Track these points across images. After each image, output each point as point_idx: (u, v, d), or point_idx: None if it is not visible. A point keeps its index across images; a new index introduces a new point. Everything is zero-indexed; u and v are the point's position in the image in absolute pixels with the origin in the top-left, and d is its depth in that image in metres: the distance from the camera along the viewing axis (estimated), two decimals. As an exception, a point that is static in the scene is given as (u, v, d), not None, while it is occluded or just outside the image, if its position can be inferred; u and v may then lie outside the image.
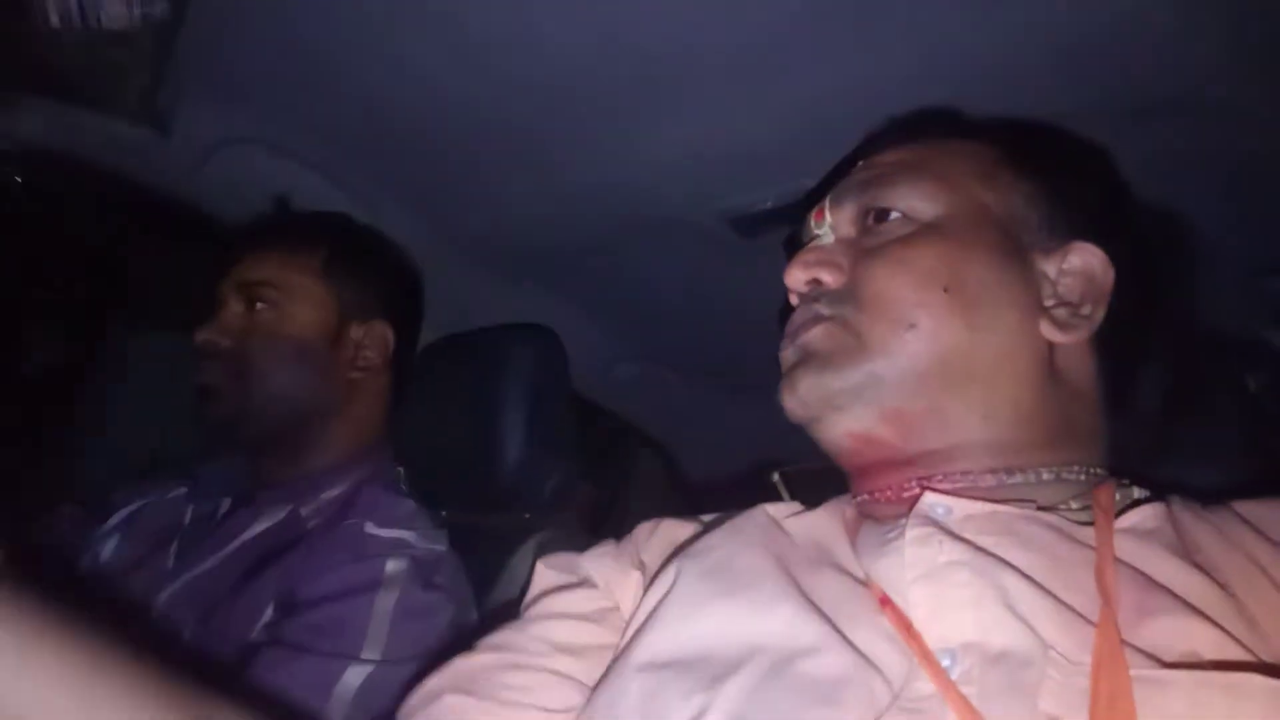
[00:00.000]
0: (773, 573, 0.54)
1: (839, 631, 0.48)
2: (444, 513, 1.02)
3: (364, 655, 0.78)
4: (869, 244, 0.62)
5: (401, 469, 1.04)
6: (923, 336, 0.56)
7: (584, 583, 0.65)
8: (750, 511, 0.64)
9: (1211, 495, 0.55)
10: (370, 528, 0.89)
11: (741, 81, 0.85)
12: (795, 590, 0.52)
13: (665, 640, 0.52)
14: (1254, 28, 0.74)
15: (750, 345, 1.01)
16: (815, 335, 0.59)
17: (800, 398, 0.59)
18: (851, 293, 0.60)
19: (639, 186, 1.04)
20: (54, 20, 0.73)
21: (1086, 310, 0.60)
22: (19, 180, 1.07)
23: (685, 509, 0.72)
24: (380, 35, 0.84)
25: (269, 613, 0.82)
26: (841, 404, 0.57)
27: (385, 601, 0.82)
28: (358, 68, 0.89)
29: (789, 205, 1.02)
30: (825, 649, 0.47)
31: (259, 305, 0.96)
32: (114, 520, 1.02)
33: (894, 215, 0.62)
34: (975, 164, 0.65)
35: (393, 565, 0.84)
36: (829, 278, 0.61)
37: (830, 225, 0.66)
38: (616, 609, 0.63)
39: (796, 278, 0.63)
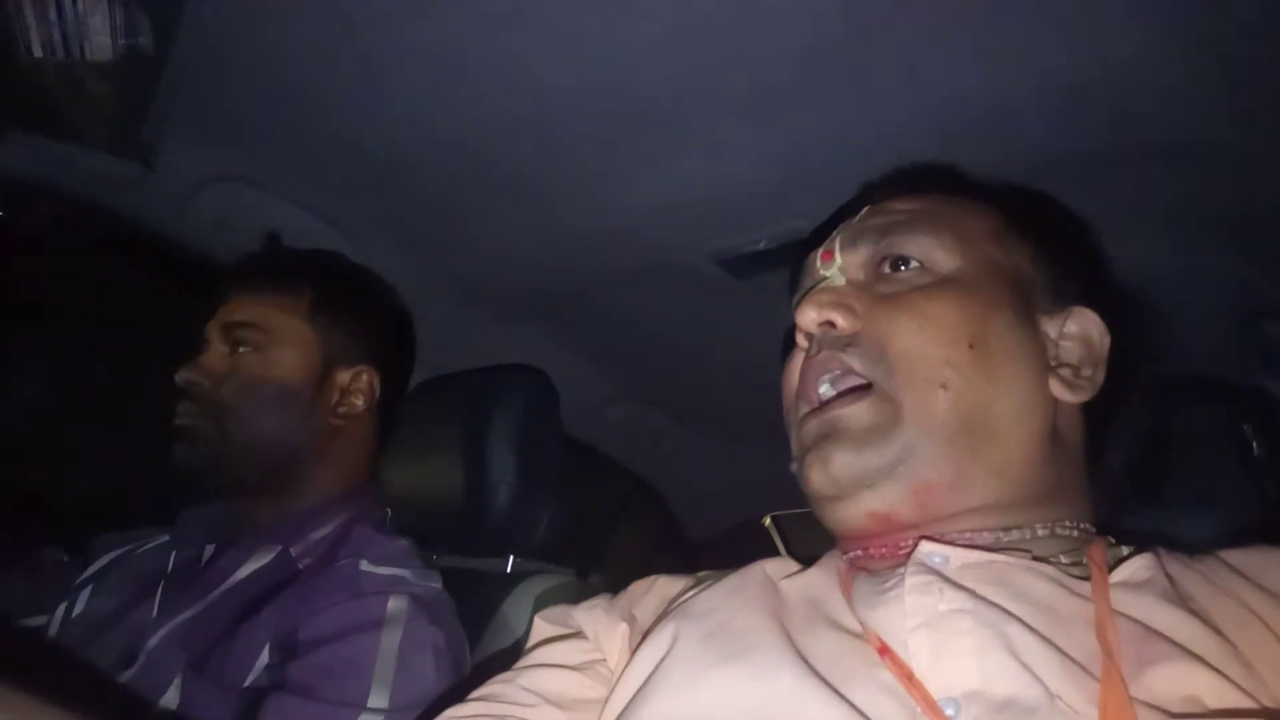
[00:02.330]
0: (773, 636, 0.52)
1: (839, 694, 0.46)
2: (434, 555, 0.99)
3: (372, 701, 0.75)
4: (884, 291, 0.61)
5: (389, 510, 1.01)
6: (952, 397, 0.55)
7: (576, 634, 0.64)
8: (748, 570, 0.62)
9: (1207, 543, 0.55)
10: (366, 565, 0.86)
11: (734, 124, 0.85)
12: (795, 654, 0.50)
13: (668, 705, 0.51)
14: (1252, 75, 0.75)
15: (743, 388, 0.99)
16: (852, 412, 0.57)
17: (833, 476, 0.56)
18: (879, 347, 0.58)
19: (630, 227, 1.03)
20: (36, 51, 0.72)
21: (1087, 372, 0.61)
22: (1, 214, 1.05)
23: (678, 551, 0.71)
24: (372, 74, 0.83)
25: (265, 655, 0.79)
26: (874, 482, 0.55)
27: (390, 640, 0.79)
28: (349, 106, 0.89)
29: (781, 246, 1.02)
30: (827, 716, 0.45)
31: (242, 348, 0.94)
32: (91, 570, 0.98)
33: (912, 264, 0.61)
34: (987, 223, 0.65)
35: (394, 603, 0.82)
36: (842, 321, 0.59)
37: (839, 267, 0.65)
38: (604, 660, 0.62)
39: (809, 317, 0.60)
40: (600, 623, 0.63)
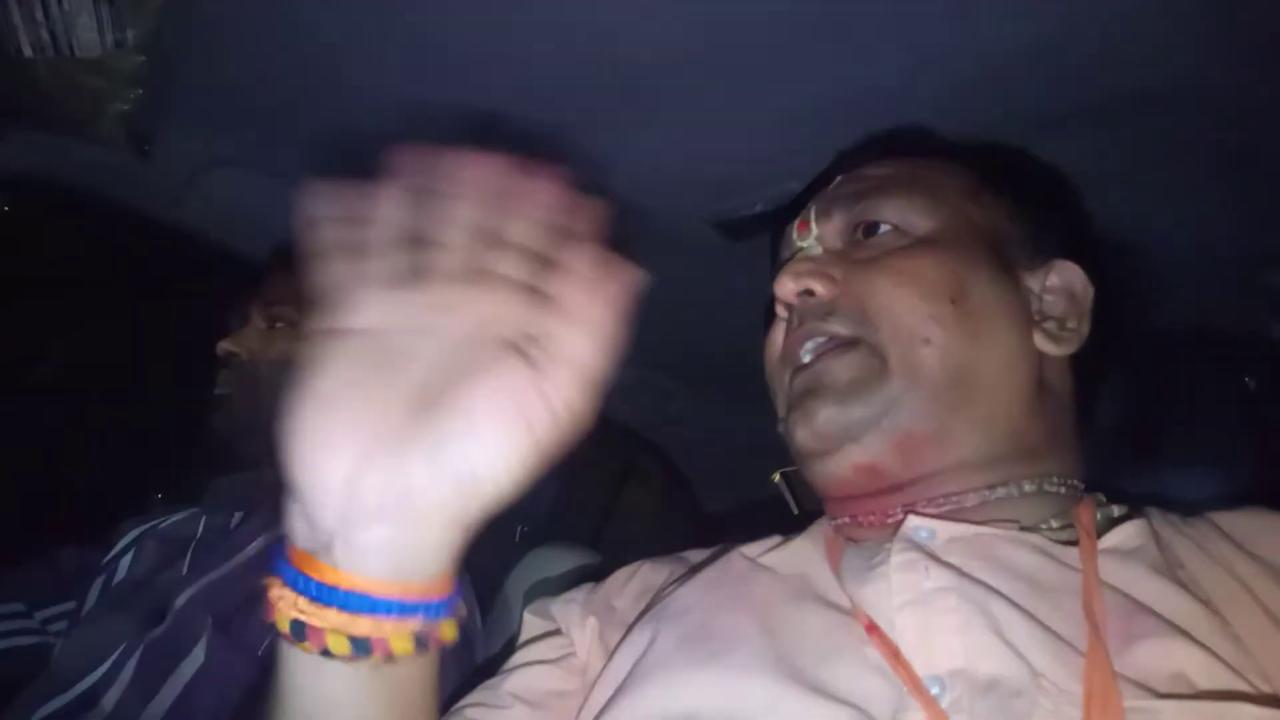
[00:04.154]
0: (751, 632, 0.52)
1: (818, 690, 0.46)
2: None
3: None
4: (861, 256, 0.61)
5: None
6: (937, 351, 0.55)
7: (556, 630, 0.64)
8: (726, 559, 0.62)
9: (1207, 503, 0.55)
10: None
11: (726, 87, 0.84)
12: (773, 650, 0.50)
13: (643, 707, 0.51)
14: (1247, 19, 0.73)
15: (744, 350, 1.00)
16: (838, 365, 0.57)
17: (817, 430, 0.57)
18: (859, 308, 0.58)
19: (626, 195, 1.03)
20: (26, 50, 0.73)
21: (1072, 324, 0.62)
22: (5, 207, 1.07)
23: (688, 512, 0.72)
24: (360, 53, 0.83)
25: None
26: (858, 434, 0.56)
27: None
28: (339, 86, 0.89)
29: (778, 209, 1.02)
30: (806, 714, 0.46)
31: (277, 324, 1.02)
32: (124, 542, 1.03)
33: (884, 228, 0.62)
34: (960, 182, 0.65)
35: None
36: (821, 289, 0.60)
37: (816, 237, 0.65)
38: (575, 654, 0.62)
39: (787, 288, 0.61)
40: (573, 616, 0.64)
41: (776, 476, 0.89)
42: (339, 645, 0.37)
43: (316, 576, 0.37)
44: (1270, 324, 0.96)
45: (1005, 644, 0.44)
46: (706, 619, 0.55)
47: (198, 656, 0.82)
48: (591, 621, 0.63)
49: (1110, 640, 0.43)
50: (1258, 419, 0.85)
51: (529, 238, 0.40)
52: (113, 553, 1.03)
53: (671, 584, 0.63)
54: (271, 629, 0.83)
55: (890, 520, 0.56)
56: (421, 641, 0.38)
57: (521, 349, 0.39)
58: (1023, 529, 0.53)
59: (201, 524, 1.02)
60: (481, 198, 0.40)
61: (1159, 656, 0.43)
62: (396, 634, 0.37)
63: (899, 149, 0.70)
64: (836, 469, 0.57)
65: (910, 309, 0.56)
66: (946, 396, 0.55)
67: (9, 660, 0.97)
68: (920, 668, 0.45)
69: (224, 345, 1.02)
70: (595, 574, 0.95)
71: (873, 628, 0.49)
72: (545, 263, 0.40)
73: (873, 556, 0.52)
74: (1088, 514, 0.53)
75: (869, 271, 0.59)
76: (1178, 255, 0.93)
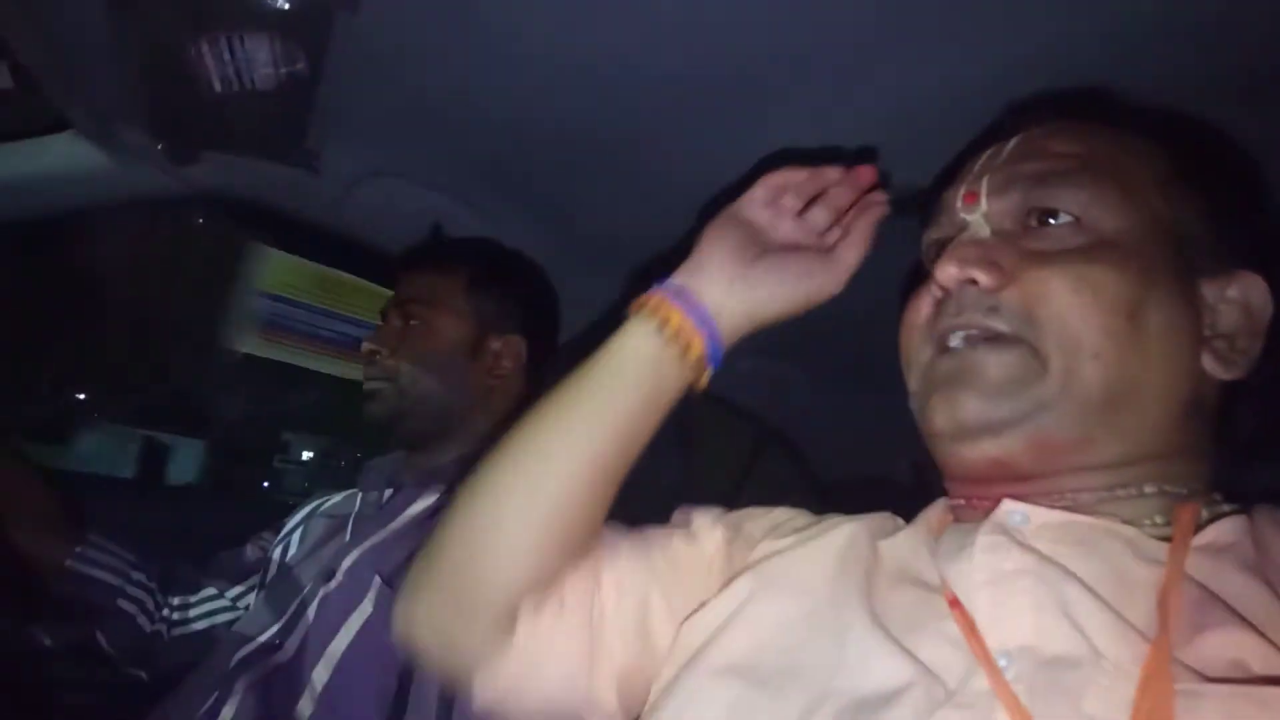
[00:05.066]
0: (854, 600, 0.55)
1: (903, 647, 0.50)
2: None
3: None
4: (1036, 247, 0.56)
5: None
6: (1102, 368, 0.52)
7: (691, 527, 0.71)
8: (856, 528, 0.64)
9: None
10: None
11: (837, 85, 0.85)
12: (868, 612, 0.54)
13: (740, 651, 0.55)
14: None
15: (862, 336, 1.01)
16: (994, 361, 0.54)
17: (960, 420, 0.55)
18: (1027, 309, 0.54)
19: (742, 189, 1.06)
20: (217, 86, 0.85)
21: (1243, 344, 0.56)
22: (200, 220, 1.23)
23: (811, 500, 0.75)
24: (493, 67, 0.90)
25: None
26: (999, 430, 0.54)
27: None
28: (477, 99, 0.97)
29: (893, 200, 1.02)
30: (890, 666, 0.49)
31: (412, 321, 1.11)
32: (295, 520, 1.19)
33: (1065, 219, 0.56)
34: (1155, 169, 0.59)
35: None
36: (988, 279, 0.55)
37: (984, 214, 0.59)
38: (700, 548, 0.68)
39: (950, 274, 0.56)
40: (707, 520, 0.70)
41: (909, 464, 0.89)
42: (675, 318, 0.64)
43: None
44: None
45: (1073, 626, 0.46)
46: (818, 581, 0.58)
47: (366, 608, 0.93)
48: (721, 531, 0.68)
49: (1180, 630, 0.44)
50: None
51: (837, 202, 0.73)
52: (284, 532, 1.18)
53: (798, 535, 0.65)
54: None
55: (997, 505, 0.56)
56: (700, 364, 0.65)
57: (817, 251, 0.69)
58: (1122, 522, 0.52)
59: (358, 500, 1.14)
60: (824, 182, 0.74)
61: (1221, 645, 0.43)
62: (698, 343, 0.64)
63: (1086, 114, 0.63)
64: (968, 455, 0.56)
65: (1084, 321, 0.52)
66: (1099, 409, 0.53)
67: (213, 634, 1.14)
68: (992, 642, 0.47)
69: (366, 344, 1.11)
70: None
71: (955, 603, 0.51)
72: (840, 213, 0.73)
73: (967, 537, 0.54)
74: (1190, 513, 0.52)
75: (1045, 270, 0.54)
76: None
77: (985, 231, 0.59)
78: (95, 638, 1.07)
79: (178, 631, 1.13)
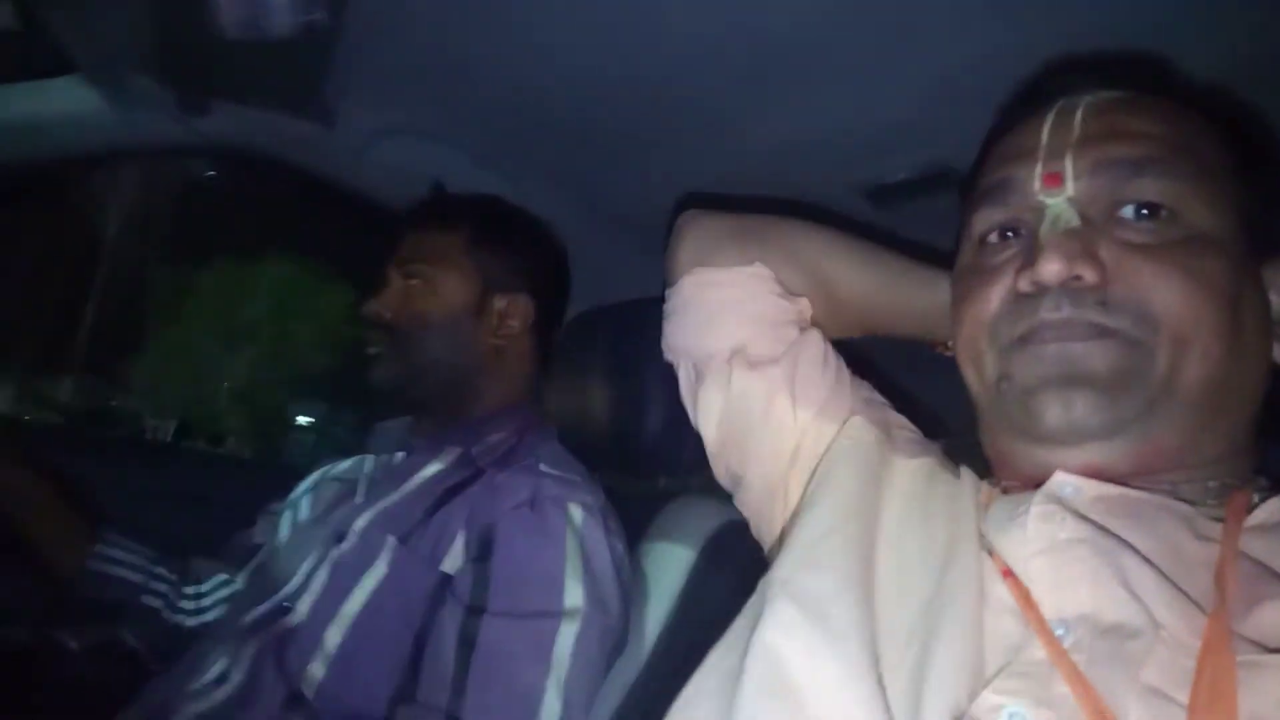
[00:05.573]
0: (919, 565, 0.55)
1: (957, 620, 0.50)
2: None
3: (568, 604, 0.86)
4: (1133, 240, 0.53)
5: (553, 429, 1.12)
6: (1210, 365, 0.51)
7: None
8: (957, 482, 0.63)
9: None
10: (544, 467, 0.97)
11: (874, 57, 0.83)
12: (930, 586, 0.53)
13: (809, 583, 0.55)
14: None
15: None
16: (1101, 351, 0.52)
17: (1073, 421, 0.52)
18: (1139, 305, 0.52)
19: (773, 163, 1.04)
20: (232, 34, 0.82)
21: None
22: (211, 174, 1.20)
23: None
24: (518, 24, 0.87)
25: (460, 542, 0.91)
26: (1111, 433, 0.52)
27: (574, 547, 0.89)
28: (499, 56, 0.94)
29: (925, 176, 1.00)
30: (945, 644, 0.49)
31: (413, 280, 1.07)
32: (305, 484, 1.17)
33: (1163, 213, 0.53)
34: (1232, 159, 0.57)
35: (575, 512, 0.92)
36: (1093, 276, 0.52)
37: (1069, 199, 0.55)
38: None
39: (1053, 270, 0.52)
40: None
41: (942, 444, 0.88)
42: None
43: None
44: None
45: (1132, 595, 0.45)
46: (920, 526, 0.59)
47: (379, 569, 0.92)
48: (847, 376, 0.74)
49: (1235, 604, 0.44)
50: None
51: None
52: (294, 495, 1.16)
53: (918, 457, 0.66)
54: (445, 546, 0.88)
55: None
56: None
57: None
58: (1177, 499, 0.52)
59: (369, 463, 1.13)
60: None
61: (1278, 617, 0.43)
62: None
63: (1147, 84, 0.60)
64: (1062, 461, 0.53)
65: (1198, 317, 0.51)
66: (1202, 409, 0.52)
67: None
68: (1048, 611, 0.47)
69: (367, 308, 1.07)
70: (736, 528, 0.98)
71: (1008, 573, 0.51)
72: None
73: (1018, 507, 0.53)
74: (1244, 495, 0.52)
75: (1151, 264, 0.52)
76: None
77: (1075, 220, 0.54)
78: (121, 636, 1.07)
79: (193, 621, 1.12)
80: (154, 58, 0.94)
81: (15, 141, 1.04)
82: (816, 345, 0.74)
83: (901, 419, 0.73)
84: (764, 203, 0.84)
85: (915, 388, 0.84)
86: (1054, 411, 0.52)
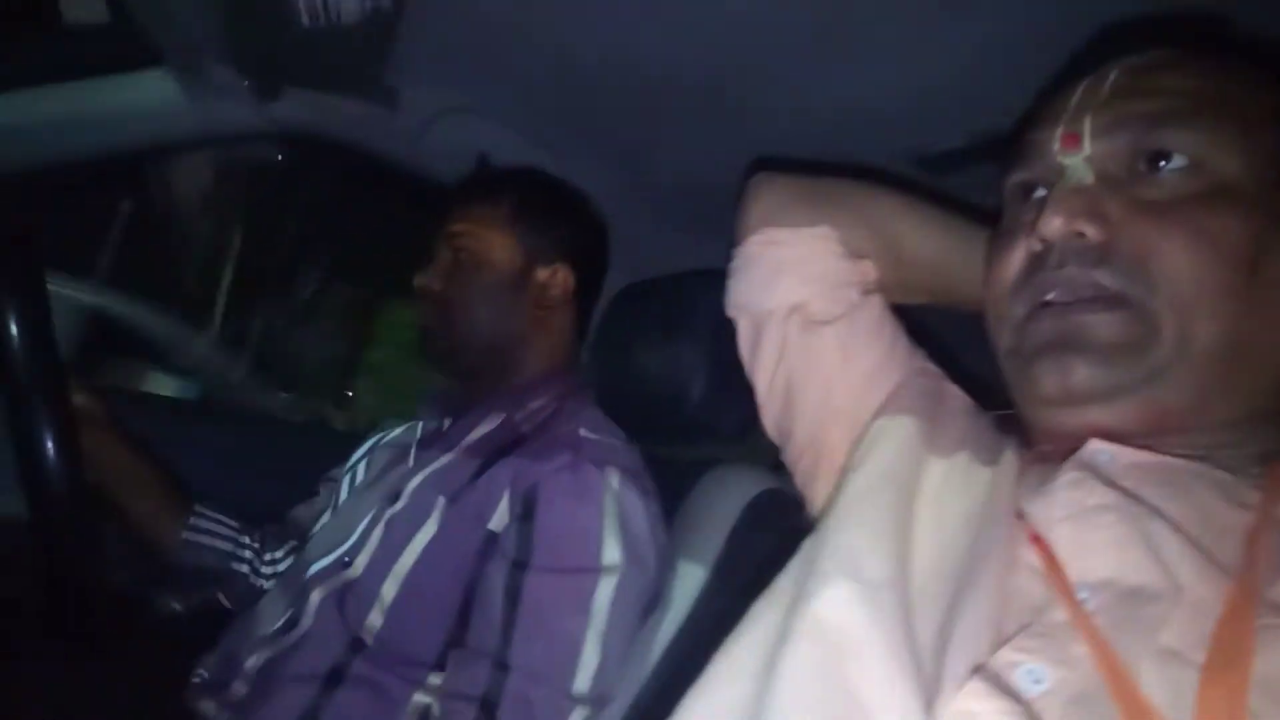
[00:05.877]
0: (952, 534, 0.56)
1: (982, 582, 0.50)
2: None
3: (605, 561, 0.90)
4: (1145, 195, 0.52)
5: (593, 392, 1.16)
6: (1220, 327, 0.50)
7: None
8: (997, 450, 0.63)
9: None
10: (584, 432, 1.01)
11: (925, 24, 0.83)
12: (963, 549, 0.54)
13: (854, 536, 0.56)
14: None
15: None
16: (1102, 322, 0.52)
17: (1070, 387, 0.52)
18: (1138, 263, 0.51)
19: (824, 132, 1.04)
20: (305, 21, 0.87)
21: None
22: (280, 158, 1.26)
23: None
24: (576, 5, 0.90)
25: (505, 502, 0.96)
26: (1112, 398, 0.52)
27: (611, 508, 0.93)
28: (553, 35, 0.97)
29: (978, 144, 0.99)
30: (970, 605, 0.50)
31: (460, 253, 1.12)
32: (361, 450, 1.24)
33: (1179, 161, 0.52)
34: (1271, 104, 0.54)
35: (612, 476, 0.96)
36: (1095, 232, 0.52)
37: (1087, 158, 0.54)
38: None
39: (1055, 226, 0.52)
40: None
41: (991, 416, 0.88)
42: None
43: None
44: None
45: (1156, 559, 0.45)
46: (938, 502, 0.59)
47: (430, 527, 0.97)
48: (891, 335, 0.74)
49: (1265, 571, 0.44)
50: None
51: None
52: (351, 462, 1.23)
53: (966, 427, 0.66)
54: (492, 506, 0.93)
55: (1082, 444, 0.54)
56: None
57: None
58: (1218, 467, 0.51)
59: (420, 428, 1.19)
60: None
61: None
62: None
63: (1181, 39, 0.58)
64: (1069, 421, 0.54)
65: (1201, 277, 0.49)
66: (1215, 370, 0.50)
67: None
68: (1073, 575, 0.47)
69: (417, 280, 1.12)
70: (776, 496, 1.00)
71: (1036, 538, 0.51)
72: None
73: (1050, 474, 0.53)
74: None
75: (1158, 221, 0.51)
76: None
77: (1089, 177, 0.54)
78: (218, 597, 1.16)
79: (271, 585, 1.20)
80: (231, 47, 0.99)
81: (108, 134, 1.10)
82: (875, 310, 0.75)
83: (955, 389, 0.73)
84: (831, 168, 0.85)
85: (973, 362, 0.85)
86: (1050, 376, 0.53)
